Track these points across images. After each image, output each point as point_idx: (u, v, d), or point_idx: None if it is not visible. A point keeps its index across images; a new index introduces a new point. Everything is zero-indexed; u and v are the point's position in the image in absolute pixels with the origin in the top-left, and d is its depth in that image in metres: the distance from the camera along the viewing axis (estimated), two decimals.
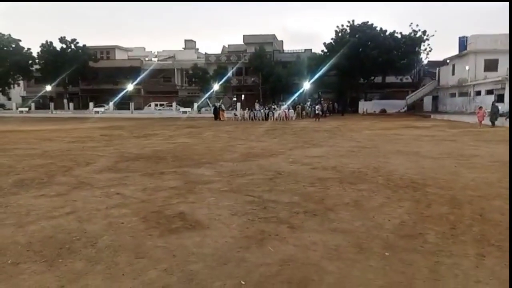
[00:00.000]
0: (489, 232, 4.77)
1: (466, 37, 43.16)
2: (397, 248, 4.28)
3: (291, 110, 37.12)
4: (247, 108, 39.07)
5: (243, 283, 3.49)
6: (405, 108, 47.11)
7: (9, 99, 57.48)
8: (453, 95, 45.69)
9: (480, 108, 24.94)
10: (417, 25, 45.49)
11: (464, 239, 4.57)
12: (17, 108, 53.08)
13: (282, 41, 62.28)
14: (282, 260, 3.97)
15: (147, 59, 62.10)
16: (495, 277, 3.59)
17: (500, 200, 6.26)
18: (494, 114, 23.93)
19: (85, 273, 3.68)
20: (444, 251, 4.19)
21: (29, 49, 53.21)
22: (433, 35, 45.30)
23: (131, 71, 54.69)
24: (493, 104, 25.08)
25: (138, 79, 54.15)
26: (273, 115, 35.50)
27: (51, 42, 52.63)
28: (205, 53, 57.19)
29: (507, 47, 40.03)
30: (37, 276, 3.63)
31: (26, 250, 4.25)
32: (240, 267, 3.82)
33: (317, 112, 35.43)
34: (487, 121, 23.91)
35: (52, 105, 53.25)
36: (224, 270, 3.76)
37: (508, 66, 36.31)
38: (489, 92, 37.22)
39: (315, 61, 46.37)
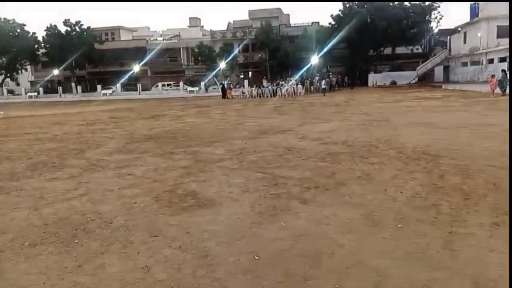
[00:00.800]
0: (503, 201, 4.72)
1: (478, 4, 41.88)
2: (410, 220, 4.26)
3: (299, 86, 36.72)
4: (254, 85, 38.76)
5: (257, 258, 3.51)
6: (416, 79, 46.32)
7: (18, 84, 57.75)
8: (464, 64, 44.70)
9: (493, 76, 24.39)
10: None
11: (478, 209, 4.53)
12: (26, 93, 53.37)
13: (288, 15, 61.05)
14: (295, 234, 3.99)
15: (152, 38, 61.49)
16: (509, 246, 3.56)
17: None
18: (502, 82, 23.36)
19: (101, 253, 3.74)
20: (458, 221, 4.16)
21: (34, 33, 53.01)
22: (442, 1, 44.14)
23: (136, 52, 54.36)
24: (503, 72, 24.40)
25: (144, 59, 53.86)
26: (281, 91, 35.21)
27: (55, 26, 52.33)
28: (210, 30, 56.49)
29: None
30: (54, 256, 3.70)
31: (42, 232, 4.32)
32: (253, 243, 3.84)
33: (323, 86, 35.05)
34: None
35: (60, 89, 53.42)
36: (238, 245, 3.79)
37: None
38: (502, 59, 36.29)
39: (323, 34, 45.51)
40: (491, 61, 38.70)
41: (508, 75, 23.73)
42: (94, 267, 3.45)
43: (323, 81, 35.97)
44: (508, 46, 34.46)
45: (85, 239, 4.10)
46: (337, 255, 3.50)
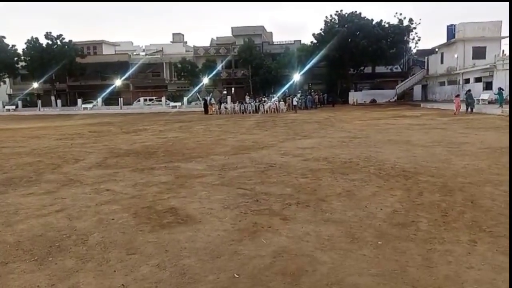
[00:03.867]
0: (480, 218, 4.80)
1: (454, 25, 43.31)
2: (390, 236, 4.28)
3: (282, 102, 37.03)
4: (237, 101, 38.91)
5: (236, 276, 3.46)
6: (395, 98, 47.28)
7: None
8: (442, 83, 45.96)
9: (457, 96, 26.59)
10: (401, 14, 45.75)
11: (456, 226, 4.59)
12: (3, 106, 52.24)
13: (271, 33, 61.94)
14: (275, 251, 3.95)
15: (134, 53, 61.40)
16: (487, 262, 3.61)
17: (490, 186, 6.31)
18: (467, 100, 25.53)
19: (76, 271, 3.63)
20: (436, 238, 4.20)
21: (13, 45, 52.23)
22: (419, 23, 45.51)
23: (119, 66, 54.05)
24: (468, 91, 26.72)
25: (127, 74, 53.55)
26: (263, 107, 35.41)
27: (36, 38, 51.66)
28: (194, 46, 56.71)
29: (495, 35, 40.43)
30: (26, 275, 3.57)
31: (15, 249, 4.18)
32: (233, 260, 3.79)
33: (295, 104, 35.41)
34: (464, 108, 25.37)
35: (39, 102, 52.48)
36: (217, 263, 3.73)
37: (495, 53, 36.63)
38: (478, 79, 37.49)
39: (305, 52, 46.27)
40: (467, 81, 39.89)
41: (472, 95, 26.20)
42: (68, 286, 3.34)
43: (295, 98, 36.42)
44: (482, 67, 35.64)
45: (59, 256, 3.97)
46: (317, 272, 3.48)
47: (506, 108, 23.19)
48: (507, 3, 28.43)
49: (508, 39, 37.44)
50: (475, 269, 3.50)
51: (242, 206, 5.59)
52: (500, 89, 27.08)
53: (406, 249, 3.93)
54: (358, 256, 3.80)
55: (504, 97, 26.81)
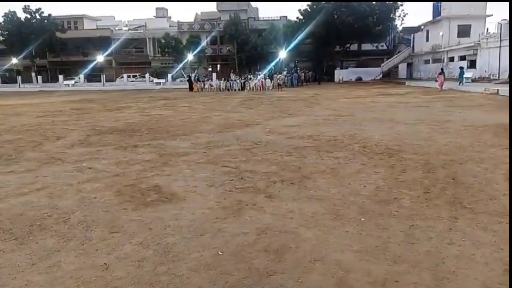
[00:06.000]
0: (461, 195, 4.87)
1: (440, 3, 43.22)
2: (373, 213, 4.32)
3: (268, 80, 36.76)
4: (222, 78, 38.48)
5: (220, 253, 3.46)
6: (381, 76, 47.38)
7: None
8: (427, 61, 46.12)
9: (440, 73, 27.11)
10: None
11: (438, 202, 4.65)
12: None
13: (257, 8, 60.94)
14: (259, 229, 3.96)
15: (117, 28, 59.77)
16: (467, 238, 3.67)
17: (472, 163, 6.40)
18: (460, 76, 28.18)
19: (57, 250, 3.58)
20: (418, 215, 4.26)
21: None
22: (406, 0, 45.28)
23: (101, 42, 52.70)
24: (461, 68, 29.21)
25: (109, 50, 52.32)
26: (249, 85, 35.13)
27: (14, 12, 49.85)
28: (178, 21, 55.50)
29: (479, 13, 40.53)
30: (6, 254, 3.50)
31: None
32: (217, 238, 3.78)
33: (278, 82, 35.18)
34: (447, 85, 26.68)
35: (19, 78, 51.03)
36: (201, 241, 3.72)
37: (479, 32, 36.77)
38: (462, 58, 37.71)
39: (291, 28, 45.71)
40: (451, 59, 40.11)
41: (464, 72, 28.15)
42: (49, 265, 3.29)
43: (279, 76, 36.21)
44: (466, 45, 35.84)
45: (40, 235, 3.91)
46: (300, 249, 3.50)
47: (489, 85, 23.61)
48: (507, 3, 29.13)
49: (491, 17, 37.57)
50: (455, 244, 3.56)
51: (227, 184, 5.57)
52: (461, 68, 29.30)
53: (388, 226, 3.98)
54: (341, 233, 3.83)
55: (464, 76, 28.84)
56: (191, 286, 2.94)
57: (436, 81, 27.84)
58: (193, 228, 4.01)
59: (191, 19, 58.28)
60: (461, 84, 27.39)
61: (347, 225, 4.02)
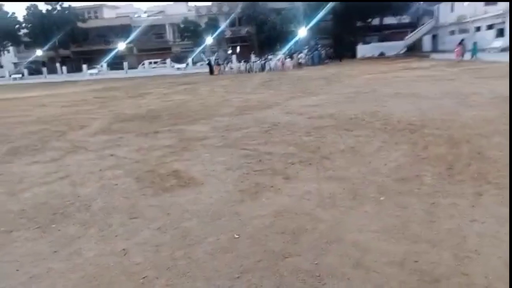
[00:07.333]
0: (486, 170, 4.70)
1: None
2: (393, 192, 4.23)
3: (288, 59, 36.27)
4: (243, 60, 38.24)
5: (236, 236, 3.46)
6: (405, 49, 46.03)
7: (1, 66, 56.36)
8: (452, 32, 44.41)
9: (460, 43, 28.02)
10: None
11: (461, 178, 4.51)
12: (10, 75, 52.11)
13: None
14: (276, 211, 3.93)
15: (136, 15, 60.08)
16: (490, 215, 3.55)
17: (499, 136, 6.16)
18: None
19: (78, 237, 3.66)
20: (440, 192, 4.14)
21: (13, 13, 51.47)
22: None
23: (121, 29, 53.21)
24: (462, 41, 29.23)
25: (130, 37, 52.72)
26: (269, 65, 34.78)
27: (35, 5, 50.77)
28: (195, 5, 55.31)
29: None
30: (29, 243, 3.61)
31: (19, 217, 4.22)
32: (234, 221, 3.78)
33: (300, 61, 34.63)
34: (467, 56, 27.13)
35: (45, 70, 52.24)
36: (218, 225, 3.73)
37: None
38: (490, 27, 36.12)
39: (310, 6, 44.70)
40: (478, 28, 38.47)
41: (464, 45, 28.46)
42: (70, 252, 3.38)
43: (301, 55, 35.66)
44: (494, 13, 34.27)
45: (63, 223, 4.01)
46: (317, 231, 3.46)
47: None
48: None
49: None
50: (478, 222, 3.45)
51: (245, 167, 5.55)
52: (474, 43, 28.50)
53: (408, 204, 3.88)
54: (359, 213, 3.76)
55: (492, 46, 29.88)
56: (206, 270, 2.96)
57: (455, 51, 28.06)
58: (211, 212, 4.03)
59: (209, 3, 57.84)
60: (474, 57, 26.90)
61: (365, 205, 3.94)
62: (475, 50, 27.41)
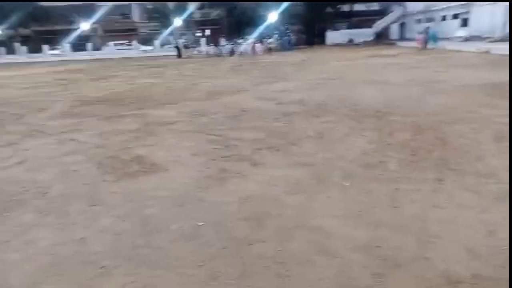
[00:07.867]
0: (448, 156, 4.80)
1: None
2: (358, 177, 4.25)
3: (258, 44, 36.00)
4: (212, 44, 37.67)
5: (200, 224, 3.38)
6: (373, 37, 46.57)
7: None
8: (419, 21, 45.26)
9: (420, 33, 29.34)
10: None
11: (424, 164, 4.58)
12: None
13: None
14: (241, 197, 3.87)
15: None
16: (451, 200, 3.62)
17: (461, 123, 6.31)
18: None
19: (33, 225, 3.49)
20: (403, 178, 4.19)
21: None
22: None
23: (85, 9, 51.03)
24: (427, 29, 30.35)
25: (94, 17, 50.75)
26: (238, 50, 34.45)
27: None
28: None
29: None
30: None
31: None
32: (198, 208, 3.70)
33: (270, 46, 34.58)
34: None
35: (3, 49, 49.66)
36: (181, 211, 3.64)
37: None
38: (455, 16, 37.04)
39: None
40: (444, 18, 39.38)
41: (428, 33, 29.24)
42: (23, 241, 3.21)
43: (271, 40, 35.54)
44: (460, 3, 35.13)
45: (17, 211, 3.81)
46: (282, 217, 3.43)
47: (481, 44, 23.37)
48: None
49: None
50: (439, 207, 3.51)
51: (211, 152, 5.45)
52: (432, 31, 29.78)
53: (372, 190, 3.91)
54: (324, 198, 3.76)
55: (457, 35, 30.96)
56: (168, 259, 2.88)
57: (416, 40, 29.38)
58: (174, 199, 3.92)
59: None
60: (433, 44, 27.91)
61: (330, 190, 3.95)
62: (434, 38, 28.37)
